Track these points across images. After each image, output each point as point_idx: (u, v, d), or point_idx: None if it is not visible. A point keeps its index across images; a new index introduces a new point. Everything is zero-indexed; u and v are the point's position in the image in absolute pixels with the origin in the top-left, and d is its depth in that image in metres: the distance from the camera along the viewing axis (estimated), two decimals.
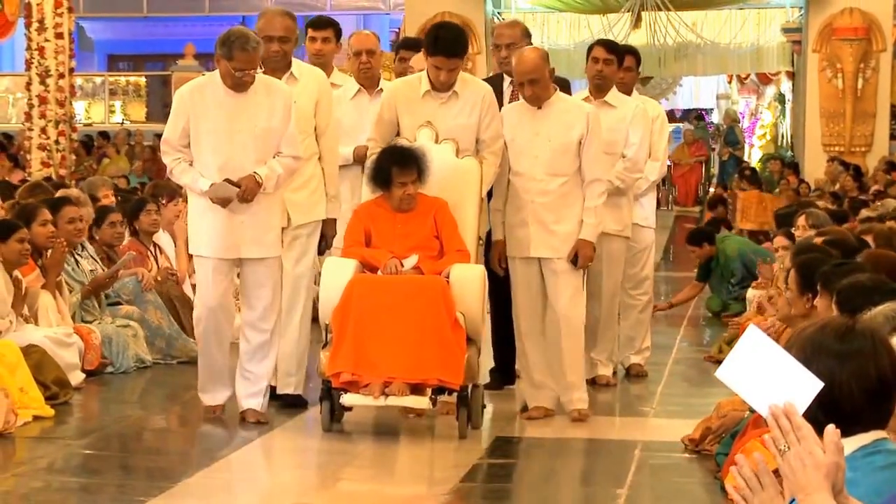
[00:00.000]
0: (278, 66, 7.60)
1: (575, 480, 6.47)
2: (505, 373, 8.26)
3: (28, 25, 21.20)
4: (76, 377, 8.31)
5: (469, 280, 7.03)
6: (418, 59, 8.01)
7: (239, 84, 7.12)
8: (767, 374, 2.75)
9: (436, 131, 7.35)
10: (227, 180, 7.07)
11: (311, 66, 7.96)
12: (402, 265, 7.05)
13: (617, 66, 8.43)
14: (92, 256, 9.61)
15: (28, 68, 21.22)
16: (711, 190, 24.59)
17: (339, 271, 7.03)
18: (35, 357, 7.84)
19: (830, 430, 2.64)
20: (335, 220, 7.68)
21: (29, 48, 21.21)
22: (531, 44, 8.07)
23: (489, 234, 7.61)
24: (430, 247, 7.19)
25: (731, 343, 9.95)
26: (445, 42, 7.29)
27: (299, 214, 7.61)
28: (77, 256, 9.41)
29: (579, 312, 7.46)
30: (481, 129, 7.42)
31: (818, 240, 7.68)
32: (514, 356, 8.01)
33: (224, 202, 7.10)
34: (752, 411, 5.37)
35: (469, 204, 7.32)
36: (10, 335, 7.95)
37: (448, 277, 7.00)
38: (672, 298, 12.51)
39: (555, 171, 7.33)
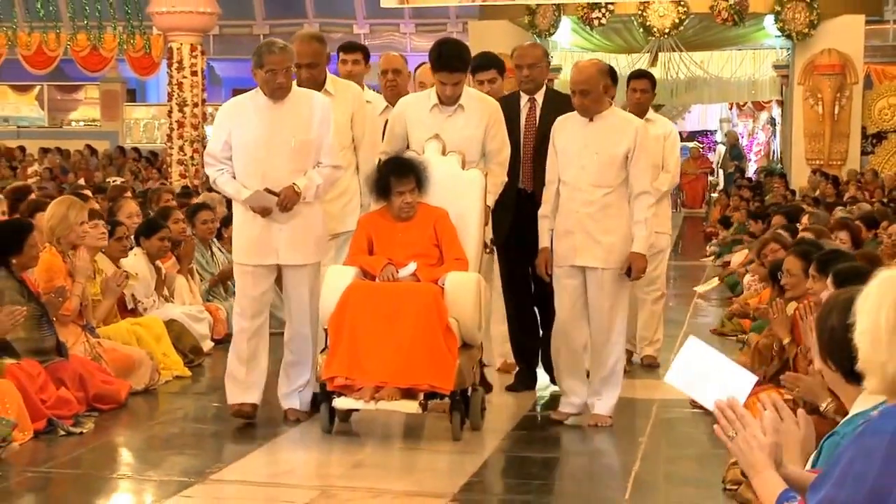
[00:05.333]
0: (312, 87, 6.54)
1: (605, 431, 6.43)
2: (528, 375, 7.29)
3: (170, 65, 21.48)
4: (207, 345, 8.43)
5: (463, 287, 6.01)
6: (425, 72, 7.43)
7: (276, 89, 6.10)
8: (709, 375, 2.70)
9: (443, 144, 6.43)
10: (267, 190, 6.15)
11: (346, 80, 6.98)
12: (397, 272, 6.07)
13: (651, 93, 8.21)
14: (220, 250, 9.73)
15: (170, 99, 21.52)
16: (714, 195, 24.57)
17: (338, 278, 6.07)
18: (176, 330, 8.01)
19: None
20: None
21: (170, 83, 21.48)
22: (549, 63, 7.39)
23: (493, 240, 6.80)
24: (429, 255, 6.20)
25: (731, 318, 9.84)
26: (447, 58, 6.42)
27: (333, 223, 6.66)
28: (213, 250, 9.60)
29: (620, 323, 6.43)
30: (487, 140, 6.54)
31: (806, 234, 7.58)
32: (535, 359, 7.28)
33: (263, 211, 6.16)
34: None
35: (473, 213, 6.34)
36: (154, 312, 8.12)
37: (444, 284, 6.04)
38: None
39: (599, 182, 6.26)
